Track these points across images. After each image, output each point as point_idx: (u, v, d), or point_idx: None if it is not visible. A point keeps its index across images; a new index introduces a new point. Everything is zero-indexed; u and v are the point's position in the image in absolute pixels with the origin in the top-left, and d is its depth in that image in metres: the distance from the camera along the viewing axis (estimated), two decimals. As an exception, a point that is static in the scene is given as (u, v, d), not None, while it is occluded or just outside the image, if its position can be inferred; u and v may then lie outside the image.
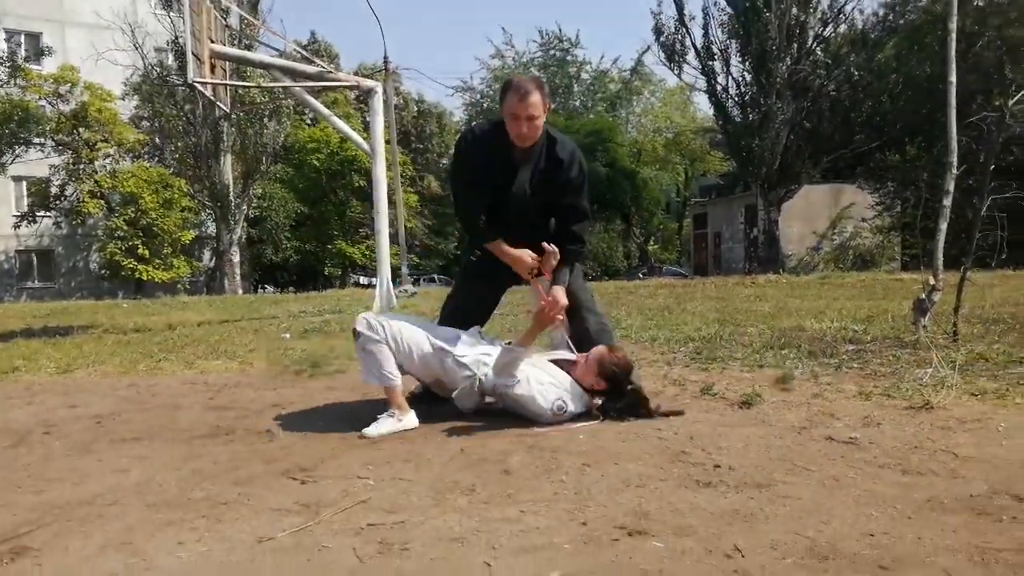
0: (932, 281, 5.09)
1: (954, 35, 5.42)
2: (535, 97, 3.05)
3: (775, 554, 1.77)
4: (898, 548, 1.79)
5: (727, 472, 2.40)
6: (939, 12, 21.36)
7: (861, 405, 3.29)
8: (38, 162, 27.79)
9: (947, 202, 5.26)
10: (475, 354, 3.18)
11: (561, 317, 3.24)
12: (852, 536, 1.86)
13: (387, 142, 12.40)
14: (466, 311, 3.49)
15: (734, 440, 2.79)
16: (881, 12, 25.54)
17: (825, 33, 24.42)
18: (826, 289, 10.96)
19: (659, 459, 2.58)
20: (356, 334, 3.16)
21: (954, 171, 5.29)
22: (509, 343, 3.32)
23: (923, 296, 5.07)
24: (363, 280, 34.02)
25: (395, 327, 3.17)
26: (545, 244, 3.18)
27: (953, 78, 5.35)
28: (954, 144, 5.30)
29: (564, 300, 3.22)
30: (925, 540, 1.83)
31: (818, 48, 24.19)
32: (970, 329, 5.14)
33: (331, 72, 8.81)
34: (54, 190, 29.17)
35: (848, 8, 24.26)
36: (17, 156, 26.37)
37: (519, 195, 3.24)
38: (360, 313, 3.37)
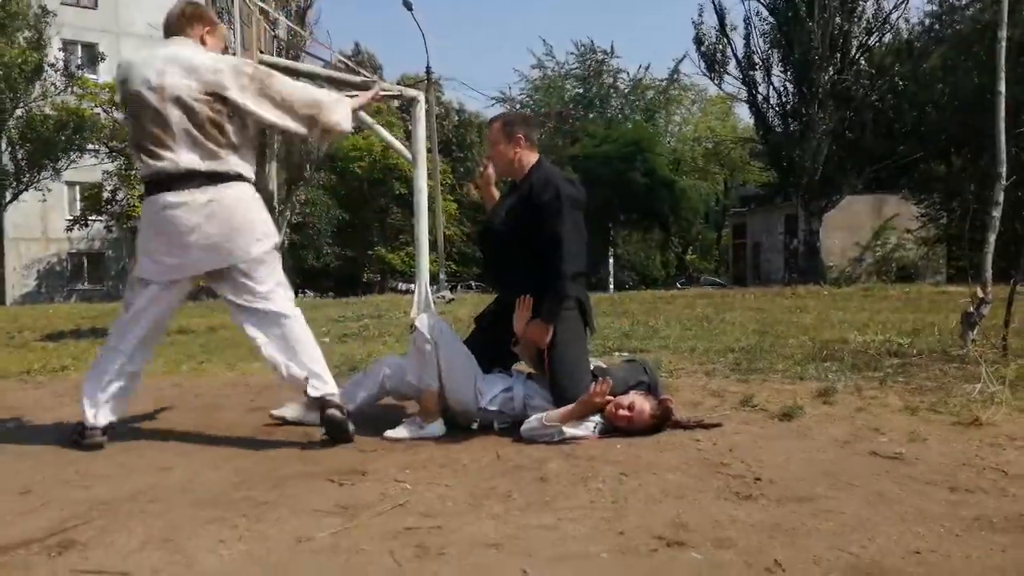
0: (981, 294, 4.96)
1: (1004, 44, 5.30)
2: (493, 127, 3.43)
3: (817, 570, 1.74)
4: (946, 567, 1.75)
5: (767, 485, 2.37)
6: (988, 21, 20.84)
7: (907, 420, 3.21)
8: (91, 168, 28.57)
9: (996, 213, 5.13)
10: (498, 392, 3.19)
11: (607, 400, 3.06)
12: (897, 553, 1.82)
13: (428, 151, 12.47)
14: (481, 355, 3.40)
15: (775, 453, 2.74)
16: (927, 22, 25.07)
17: (869, 43, 23.98)
18: (869, 301, 10.74)
19: (698, 470, 2.55)
20: (412, 328, 3.18)
21: (1003, 182, 5.17)
22: (529, 375, 3.35)
23: (971, 309, 4.95)
24: (401, 287, 34.26)
25: (450, 354, 3.13)
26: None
27: (1003, 88, 5.22)
28: (1003, 155, 5.18)
29: (538, 335, 3.15)
30: (974, 559, 1.79)
31: (862, 58, 23.78)
32: (1021, 343, 4.99)
33: (376, 82, 8.91)
34: (106, 195, 29.95)
35: (893, 18, 23.83)
36: (72, 162, 27.14)
37: (491, 222, 3.39)
38: (425, 313, 3.40)
